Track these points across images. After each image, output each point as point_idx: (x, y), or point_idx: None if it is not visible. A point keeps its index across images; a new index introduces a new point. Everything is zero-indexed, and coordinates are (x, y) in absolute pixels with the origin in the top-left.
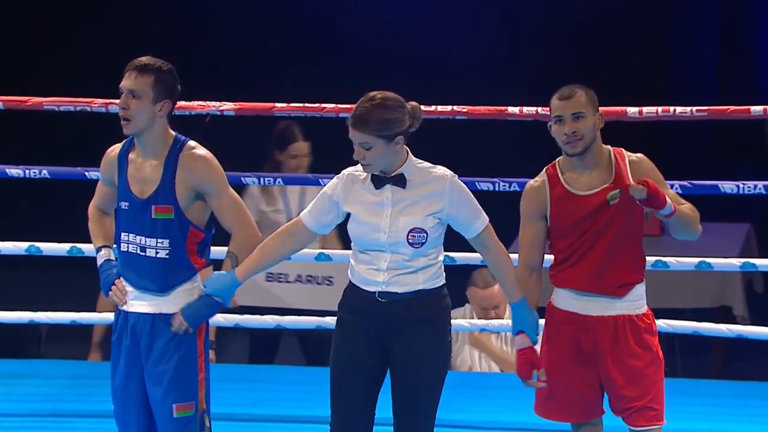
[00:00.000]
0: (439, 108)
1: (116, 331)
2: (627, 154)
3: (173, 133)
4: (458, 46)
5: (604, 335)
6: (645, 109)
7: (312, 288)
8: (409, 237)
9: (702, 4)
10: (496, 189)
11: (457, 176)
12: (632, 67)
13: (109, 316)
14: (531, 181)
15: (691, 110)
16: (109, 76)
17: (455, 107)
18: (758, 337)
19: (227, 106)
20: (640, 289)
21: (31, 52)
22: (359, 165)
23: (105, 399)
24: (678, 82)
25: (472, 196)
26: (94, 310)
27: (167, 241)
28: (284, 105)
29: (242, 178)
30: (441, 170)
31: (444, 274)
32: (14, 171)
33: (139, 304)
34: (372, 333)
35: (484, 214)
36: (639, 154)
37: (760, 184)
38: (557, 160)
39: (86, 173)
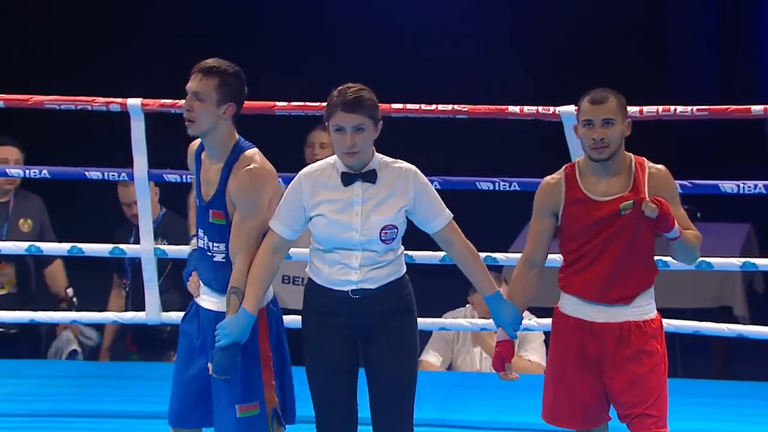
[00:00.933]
0: (440, 107)
1: (186, 319)
2: (648, 164)
3: (237, 137)
4: (458, 45)
5: (609, 341)
6: (645, 109)
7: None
8: (382, 234)
9: (701, 4)
10: (497, 189)
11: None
12: (633, 66)
13: (112, 316)
14: (548, 178)
15: (692, 110)
16: (101, 75)
17: (456, 106)
18: (759, 337)
19: None
20: (647, 295)
21: (30, 49)
22: (316, 164)
23: (109, 399)
24: (679, 81)
25: (435, 191)
26: (100, 310)
27: (223, 245)
28: (285, 104)
29: None
30: (404, 164)
31: (403, 260)
32: (14, 171)
33: (207, 299)
34: (344, 331)
35: (448, 210)
36: (660, 166)
37: (761, 184)
38: (577, 160)
39: (86, 173)
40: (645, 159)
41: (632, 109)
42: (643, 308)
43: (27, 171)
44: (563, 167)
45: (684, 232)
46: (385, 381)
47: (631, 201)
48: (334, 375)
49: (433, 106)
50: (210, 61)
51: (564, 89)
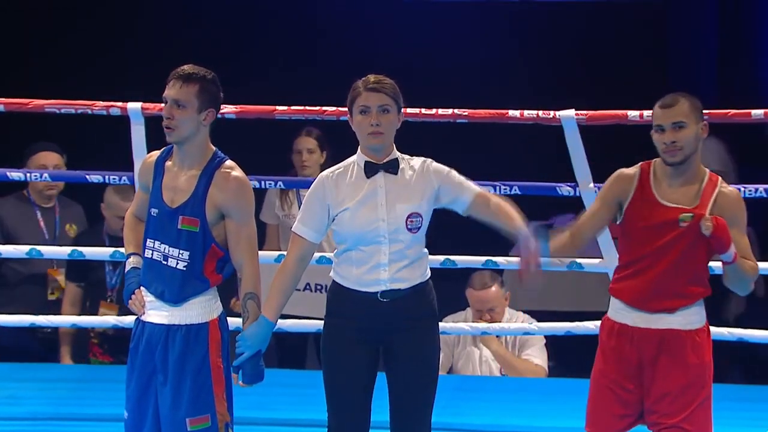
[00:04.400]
0: (440, 111)
1: (134, 339)
2: (721, 184)
3: (213, 147)
4: (459, 48)
5: (649, 348)
6: (646, 113)
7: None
8: (408, 222)
9: (701, 8)
10: (497, 193)
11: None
12: (633, 71)
13: (112, 320)
14: (625, 168)
15: None
16: (100, 77)
17: (456, 110)
18: (759, 341)
19: (228, 109)
20: (696, 307)
21: (29, 53)
22: (335, 166)
23: (107, 402)
24: (679, 85)
25: (454, 171)
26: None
27: (188, 253)
28: (285, 108)
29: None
30: (417, 158)
31: (428, 262)
32: (15, 174)
33: (155, 314)
34: (367, 335)
35: (472, 183)
36: (732, 188)
37: (761, 187)
38: (655, 160)
39: (87, 176)
40: (720, 178)
41: (632, 114)
42: (688, 317)
43: (28, 174)
44: (640, 163)
45: (741, 259)
46: (407, 388)
47: (691, 214)
48: (351, 383)
49: (434, 111)
50: (187, 68)
51: (565, 94)
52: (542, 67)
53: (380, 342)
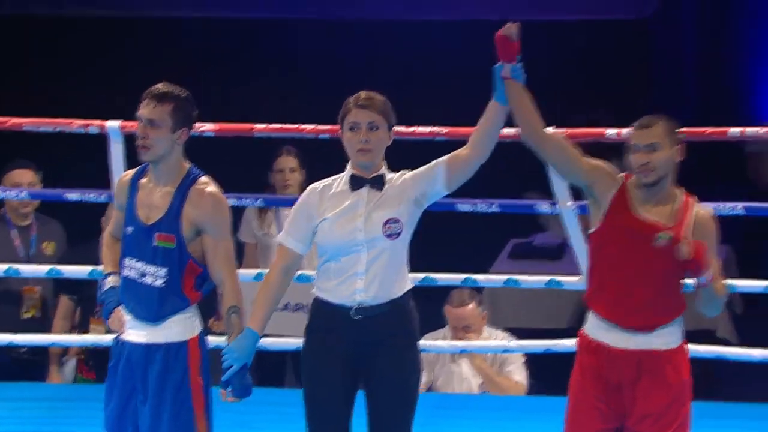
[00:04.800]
0: (419, 129)
1: (113, 358)
2: (697, 206)
3: (187, 164)
4: (442, 67)
5: (628, 369)
6: (624, 131)
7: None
8: (385, 229)
9: (682, 28)
10: (477, 211)
11: None
12: (612, 89)
13: (89, 339)
14: (611, 167)
15: None
16: (76, 96)
17: (435, 128)
18: (739, 359)
19: (207, 127)
20: (673, 326)
21: (5, 70)
22: (323, 180)
23: (87, 422)
24: (660, 103)
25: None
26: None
27: (165, 269)
28: (264, 126)
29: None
30: (402, 172)
31: (408, 278)
32: None
33: (135, 333)
34: (345, 351)
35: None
36: (708, 210)
37: (740, 205)
38: (633, 177)
39: (64, 195)
40: (695, 199)
41: (611, 132)
42: (667, 338)
43: (4, 192)
44: (623, 174)
45: (716, 281)
46: (385, 408)
47: (669, 235)
48: (331, 400)
49: (412, 129)
50: (161, 87)
51: (544, 111)
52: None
53: (359, 359)
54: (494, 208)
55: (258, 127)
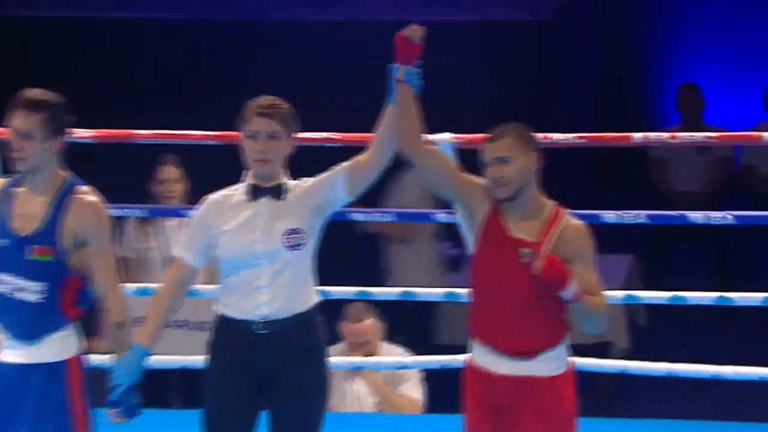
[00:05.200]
0: (313, 135)
1: None
2: (567, 218)
3: (64, 173)
4: (350, 70)
5: (509, 397)
6: (652, 135)
7: (185, 334)
8: (285, 240)
9: (582, 30)
10: (371, 220)
11: None
12: (511, 94)
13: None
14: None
15: (571, 137)
16: None
17: (329, 134)
18: (642, 373)
19: (85, 133)
20: (556, 351)
21: None
22: (222, 190)
23: None
24: (560, 108)
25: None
26: None
27: (42, 284)
28: (145, 132)
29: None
30: (303, 179)
31: (315, 291)
32: None
33: (10, 353)
34: (247, 369)
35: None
36: (578, 223)
37: (643, 213)
38: None
39: None
40: (567, 212)
41: (637, 136)
42: (551, 363)
43: None
44: None
45: (587, 297)
46: (289, 428)
47: (530, 250)
48: (232, 420)
49: (306, 134)
50: (32, 94)
51: (438, 116)
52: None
53: (263, 377)
54: (389, 218)
55: (139, 133)
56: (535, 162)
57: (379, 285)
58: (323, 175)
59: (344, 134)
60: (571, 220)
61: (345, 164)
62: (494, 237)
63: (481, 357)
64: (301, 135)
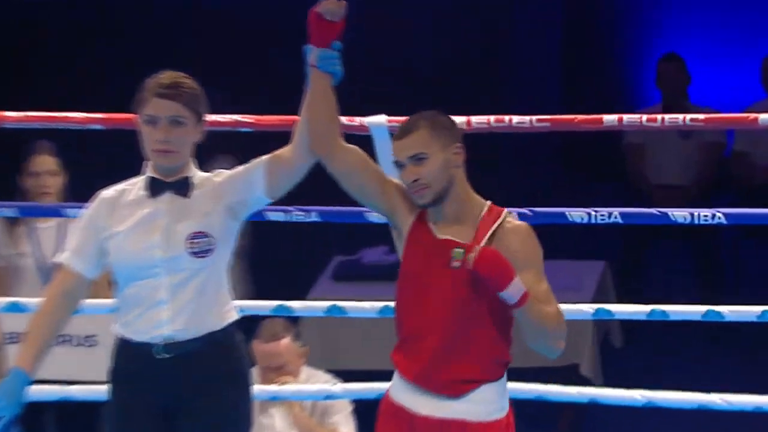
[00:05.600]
0: (220, 118)
1: None
2: (506, 219)
3: None
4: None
5: None
6: (474, 119)
7: (67, 351)
8: (189, 245)
9: (544, 6)
10: (291, 221)
11: None
12: (469, 71)
13: None
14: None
15: (531, 120)
16: None
17: (239, 117)
18: (615, 402)
19: None
20: (491, 390)
21: None
22: (120, 183)
23: None
24: (513, 85)
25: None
26: None
27: None
28: (14, 114)
29: None
30: (214, 172)
31: (232, 306)
32: None
33: None
34: (156, 402)
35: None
36: (520, 223)
37: (616, 211)
38: None
39: None
40: (505, 212)
41: (459, 120)
42: (481, 405)
43: None
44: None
45: (535, 303)
46: None
47: (463, 249)
48: None
49: (213, 117)
50: None
51: (381, 99)
52: (364, 65)
53: (172, 410)
54: (313, 218)
55: (5, 115)
56: (457, 155)
57: (300, 298)
58: (239, 170)
59: (257, 117)
60: (511, 222)
61: (264, 158)
62: (420, 243)
63: (399, 392)
64: (210, 118)
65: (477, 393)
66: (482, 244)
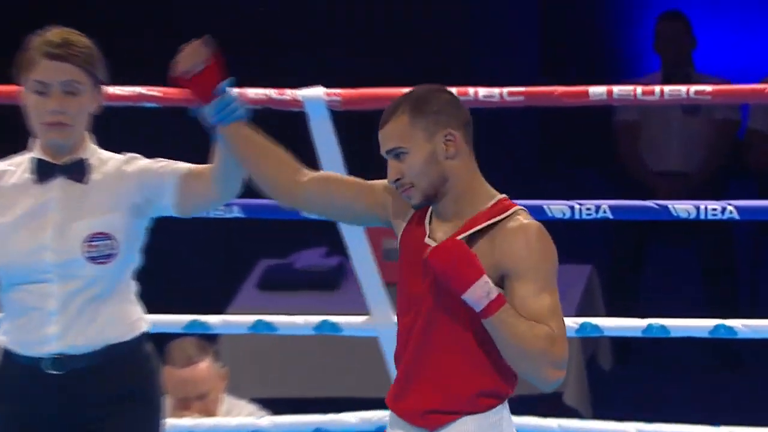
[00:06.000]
0: (118, 90)
1: None
2: (514, 215)
3: None
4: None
5: None
6: (616, 89)
7: None
8: (86, 248)
9: None
10: (207, 216)
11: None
12: (432, 39)
13: None
14: None
15: (501, 93)
16: None
17: (143, 90)
18: None
19: None
20: (480, 422)
21: None
22: (11, 158)
23: None
24: (484, 54)
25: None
26: None
27: None
28: None
29: None
30: (123, 155)
31: (140, 317)
32: None
33: None
34: (45, 424)
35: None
36: (530, 224)
37: (605, 203)
38: None
39: None
40: (516, 208)
41: (596, 90)
42: None
43: None
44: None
45: (509, 314)
46: None
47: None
48: None
49: (111, 89)
50: None
51: (325, 67)
52: (329, 35)
53: None
54: (235, 213)
55: None
56: (450, 144)
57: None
58: (152, 167)
59: (165, 89)
60: (520, 219)
61: (182, 168)
62: (408, 250)
63: (390, 421)
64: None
65: (462, 423)
66: (471, 247)
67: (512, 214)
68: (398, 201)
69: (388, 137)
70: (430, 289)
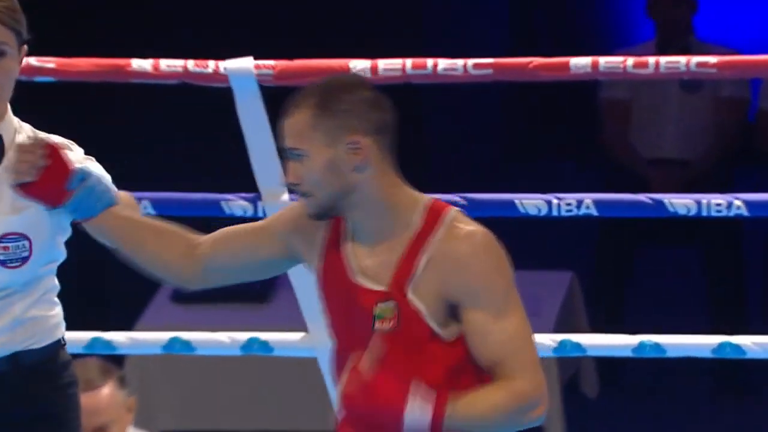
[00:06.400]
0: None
1: None
2: (452, 224)
3: None
4: None
5: None
6: (383, 64)
7: None
8: (4, 251)
9: None
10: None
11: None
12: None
13: None
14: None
15: (465, 65)
16: None
17: (36, 61)
18: None
19: None
20: None
21: None
22: None
23: None
24: (444, 20)
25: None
26: None
27: None
28: None
29: None
30: (52, 136)
31: (63, 321)
32: None
33: None
34: None
35: None
36: (473, 232)
37: (588, 198)
38: None
39: None
40: (450, 213)
41: (359, 64)
42: None
43: None
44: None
45: (464, 408)
46: None
47: (391, 304)
48: None
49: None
50: None
51: (275, 43)
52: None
53: None
54: (147, 209)
55: None
56: (355, 154)
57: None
58: (78, 159)
59: (64, 59)
60: (460, 228)
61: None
62: (334, 278)
63: None
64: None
65: None
66: (412, 281)
67: (450, 222)
68: (303, 232)
69: (287, 133)
70: (379, 348)
